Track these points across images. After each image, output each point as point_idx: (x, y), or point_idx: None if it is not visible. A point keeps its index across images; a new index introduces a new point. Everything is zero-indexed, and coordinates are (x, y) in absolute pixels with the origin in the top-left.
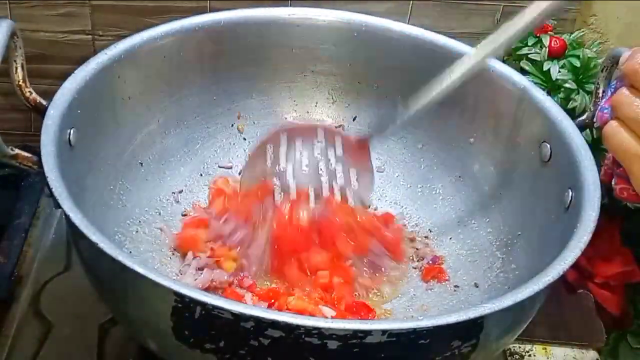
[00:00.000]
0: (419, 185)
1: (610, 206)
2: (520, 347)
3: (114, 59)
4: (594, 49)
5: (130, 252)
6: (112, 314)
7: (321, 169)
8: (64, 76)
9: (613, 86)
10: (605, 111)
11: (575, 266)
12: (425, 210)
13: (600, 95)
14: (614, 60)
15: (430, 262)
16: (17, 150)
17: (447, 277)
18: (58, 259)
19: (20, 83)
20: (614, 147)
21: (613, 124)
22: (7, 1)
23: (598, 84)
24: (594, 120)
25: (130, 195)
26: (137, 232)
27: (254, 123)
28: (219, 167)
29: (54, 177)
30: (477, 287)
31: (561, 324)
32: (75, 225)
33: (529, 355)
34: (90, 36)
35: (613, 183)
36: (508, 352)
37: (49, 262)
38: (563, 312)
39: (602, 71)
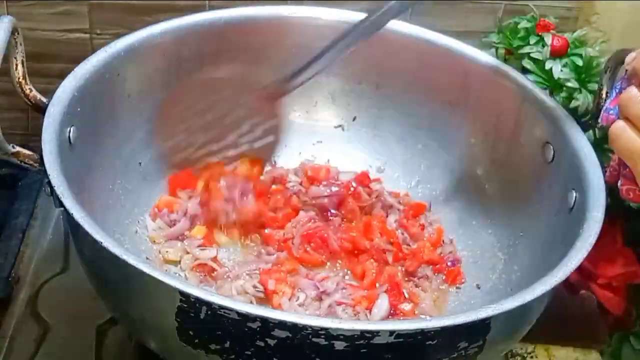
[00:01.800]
0: (420, 186)
1: (612, 207)
2: (522, 349)
3: (113, 57)
4: (597, 48)
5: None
6: (111, 314)
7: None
8: (61, 75)
9: (618, 87)
10: (611, 112)
11: (578, 267)
12: None
13: (604, 96)
14: (619, 61)
15: (450, 264)
16: (18, 148)
17: (464, 280)
18: (56, 259)
19: (20, 80)
20: (620, 147)
21: (620, 124)
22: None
23: (602, 85)
24: (598, 121)
25: (130, 195)
26: (136, 232)
27: None
28: None
29: (55, 175)
30: (479, 288)
31: (563, 325)
32: (78, 223)
33: (531, 357)
34: (88, 35)
35: (619, 184)
36: (510, 353)
37: (46, 262)
38: (565, 313)
39: (605, 72)
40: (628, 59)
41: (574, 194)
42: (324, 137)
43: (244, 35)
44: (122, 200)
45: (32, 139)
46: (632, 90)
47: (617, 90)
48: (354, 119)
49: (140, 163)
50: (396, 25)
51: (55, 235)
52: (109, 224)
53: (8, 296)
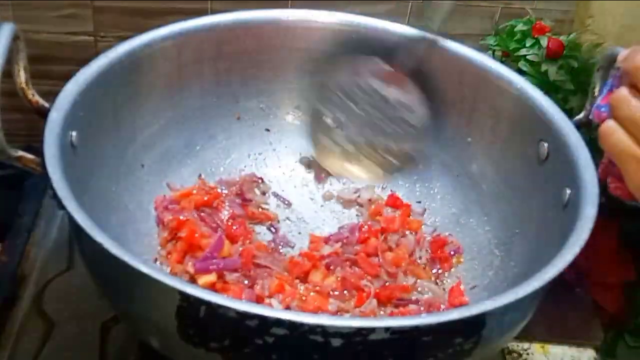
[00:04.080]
0: (417, 184)
1: (607, 205)
2: (518, 346)
3: (114, 62)
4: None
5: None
6: (115, 313)
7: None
8: (67, 77)
9: (609, 85)
10: (603, 109)
11: (573, 265)
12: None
13: (596, 94)
14: (611, 60)
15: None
16: (20, 152)
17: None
18: (60, 258)
19: (23, 85)
20: (609, 147)
21: (610, 123)
22: (10, 2)
23: (594, 83)
24: (590, 118)
25: (132, 197)
26: (139, 233)
27: (253, 124)
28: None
29: (57, 179)
30: (476, 285)
31: (559, 322)
32: (80, 226)
33: (527, 354)
34: (92, 37)
35: (608, 181)
36: (506, 350)
37: (51, 261)
38: (561, 310)
39: (597, 71)
40: (619, 57)
41: (568, 191)
42: None
43: (244, 39)
44: (125, 201)
45: (38, 139)
46: (623, 91)
47: (608, 88)
48: None
49: (142, 165)
50: (394, 27)
51: (60, 234)
52: (112, 226)
53: (14, 294)
